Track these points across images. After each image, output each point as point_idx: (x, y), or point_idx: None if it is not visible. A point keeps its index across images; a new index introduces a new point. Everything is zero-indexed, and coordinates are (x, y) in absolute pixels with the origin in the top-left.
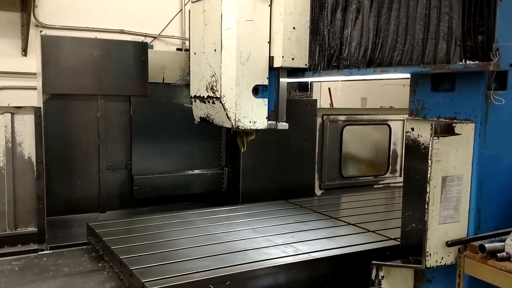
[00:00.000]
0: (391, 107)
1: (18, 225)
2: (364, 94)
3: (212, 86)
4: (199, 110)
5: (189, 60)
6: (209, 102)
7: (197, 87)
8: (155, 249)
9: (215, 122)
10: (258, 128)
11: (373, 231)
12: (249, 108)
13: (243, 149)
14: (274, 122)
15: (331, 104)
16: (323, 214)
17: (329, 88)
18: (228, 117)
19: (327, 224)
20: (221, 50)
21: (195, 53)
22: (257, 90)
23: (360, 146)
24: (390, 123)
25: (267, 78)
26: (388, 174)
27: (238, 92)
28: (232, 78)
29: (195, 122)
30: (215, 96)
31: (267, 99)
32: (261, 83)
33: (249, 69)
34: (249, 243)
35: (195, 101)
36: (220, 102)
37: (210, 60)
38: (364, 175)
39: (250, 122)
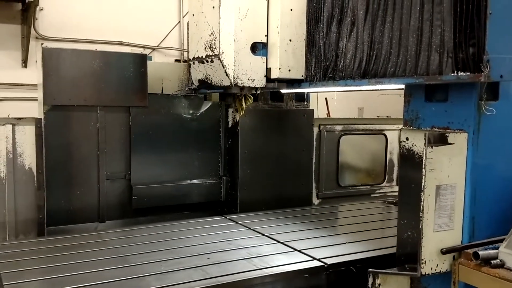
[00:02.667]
0: (387, 116)
1: (19, 235)
2: (361, 104)
3: (210, 45)
4: (197, 73)
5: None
6: (207, 61)
7: (196, 48)
8: (49, 274)
9: (213, 83)
10: (257, 87)
11: (299, 251)
12: (247, 65)
13: (242, 112)
14: (272, 84)
15: (328, 114)
16: (256, 231)
17: (326, 98)
18: (226, 74)
19: (255, 242)
20: (220, 6)
21: (193, 15)
22: (255, 48)
23: (357, 156)
24: (386, 132)
25: (265, 36)
26: (385, 183)
27: (236, 49)
28: (231, 34)
29: (194, 86)
30: (213, 54)
31: (265, 57)
32: (260, 41)
33: (248, 25)
34: (156, 267)
35: (193, 63)
36: (219, 59)
37: (208, 19)
38: (361, 184)
39: (248, 79)
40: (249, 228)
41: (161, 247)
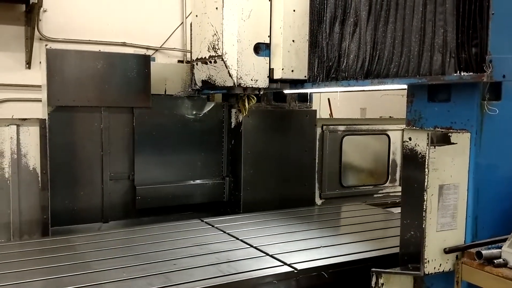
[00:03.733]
0: (390, 117)
1: (23, 235)
2: (363, 105)
3: (214, 45)
4: (200, 73)
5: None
6: (210, 62)
7: (199, 49)
8: (6, 281)
9: (217, 83)
10: (260, 87)
11: (271, 255)
12: (250, 66)
13: (245, 113)
14: (275, 84)
15: (331, 114)
16: (230, 236)
17: (328, 99)
18: (230, 75)
19: (227, 247)
20: (223, 6)
21: (196, 16)
22: (258, 49)
23: (360, 156)
24: (389, 133)
25: (268, 36)
26: (387, 184)
27: (239, 49)
28: (234, 35)
29: (197, 86)
30: (216, 54)
31: (268, 58)
32: (263, 42)
33: (251, 26)
34: (118, 273)
35: (196, 64)
36: (222, 60)
37: (211, 20)
38: (364, 185)
39: (251, 80)
40: (224, 232)
41: (128, 252)
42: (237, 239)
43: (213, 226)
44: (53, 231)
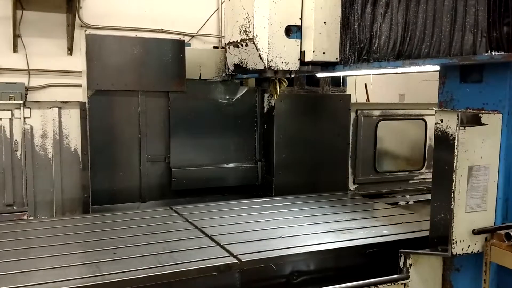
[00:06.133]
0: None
1: (65, 213)
2: (402, 90)
3: (245, 28)
4: (232, 57)
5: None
6: (242, 45)
7: (231, 33)
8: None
9: (248, 67)
10: (291, 70)
11: (222, 245)
12: (281, 49)
13: (276, 96)
14: (306, 67)
15: (368, 99)
16: (191, 224)
17: (365, 84)
18: (260, 58)
19: (181, 235)
20: None
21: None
22: (289, 31)
23: (395, 141)
24: (426, 118)
25: (300, 18)
26: (424, 170)
27: (270, 32)
28: (265, 18)
29: (229, 71)
30: (248, 37)
31: (299, 40)
32: (294, 24)
33: (282, 8)
34: (53, 261)
35: (228, 47)
36: (253, 42)
37: (243, 3)
38: (399, 170)
39: (282, 62)
40: (187, 221)
41: (76, 240)
42: (196, 228)
43: (179, 214)
44: (94, 209)
